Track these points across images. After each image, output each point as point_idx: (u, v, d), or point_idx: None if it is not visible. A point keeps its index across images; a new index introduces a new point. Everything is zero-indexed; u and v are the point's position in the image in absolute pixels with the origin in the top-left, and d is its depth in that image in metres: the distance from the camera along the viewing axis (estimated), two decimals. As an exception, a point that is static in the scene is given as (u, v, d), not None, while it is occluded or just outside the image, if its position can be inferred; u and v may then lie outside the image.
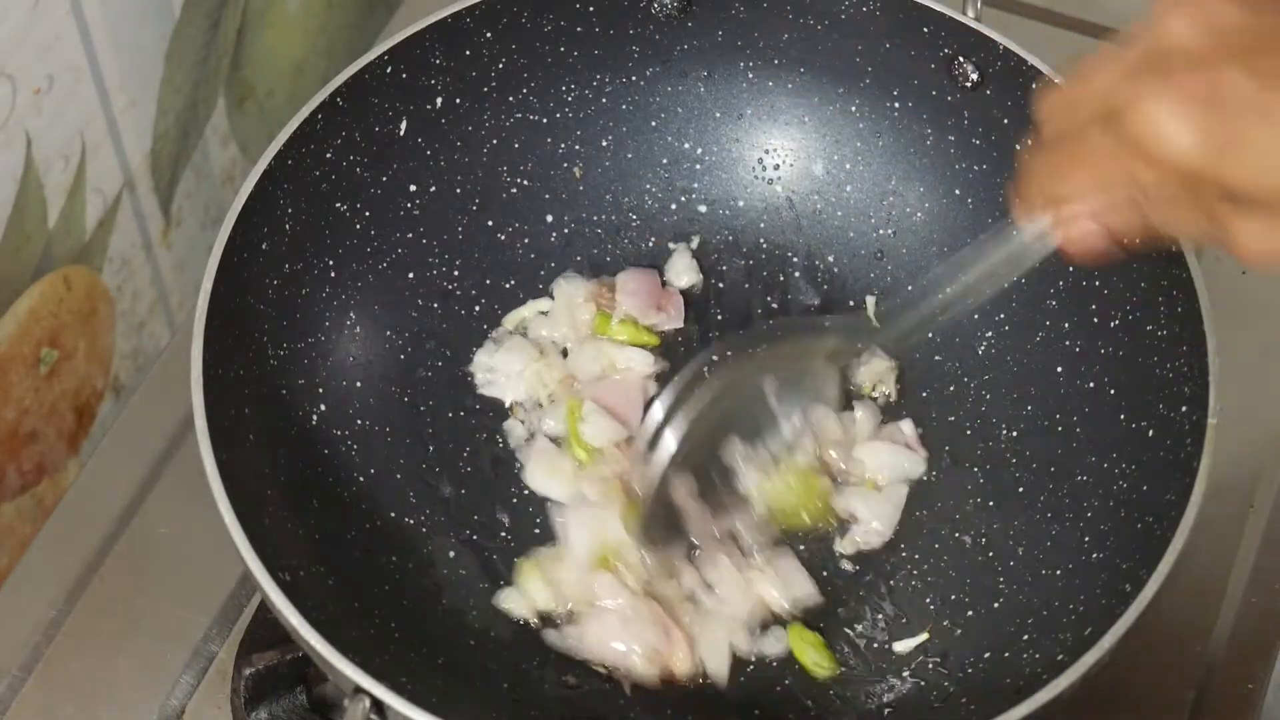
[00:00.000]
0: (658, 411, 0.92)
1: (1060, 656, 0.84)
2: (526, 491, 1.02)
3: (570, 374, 1.05)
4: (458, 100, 1.05)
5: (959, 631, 0.96)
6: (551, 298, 1.08)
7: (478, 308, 1.08)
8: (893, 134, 1.07)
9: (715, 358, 0.96)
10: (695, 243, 1.10)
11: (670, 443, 0.91)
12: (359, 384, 1.02)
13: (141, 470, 1.08)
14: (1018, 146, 1.00)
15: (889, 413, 1.04)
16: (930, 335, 1.06)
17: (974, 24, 1.01)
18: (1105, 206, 0.71)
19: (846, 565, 0.99)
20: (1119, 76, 0.67)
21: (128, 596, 1.02)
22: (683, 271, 1.09)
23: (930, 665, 0.95)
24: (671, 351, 1.07)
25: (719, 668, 0.94)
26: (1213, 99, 0.62)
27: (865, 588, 0.98)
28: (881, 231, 1.09)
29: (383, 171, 1.03)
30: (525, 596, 0.97)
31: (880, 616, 0.97)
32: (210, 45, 1.16)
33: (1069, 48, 1.25)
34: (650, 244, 1.10)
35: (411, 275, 1.06)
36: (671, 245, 1.10)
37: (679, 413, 0.91)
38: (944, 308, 0.86)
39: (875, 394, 1.05)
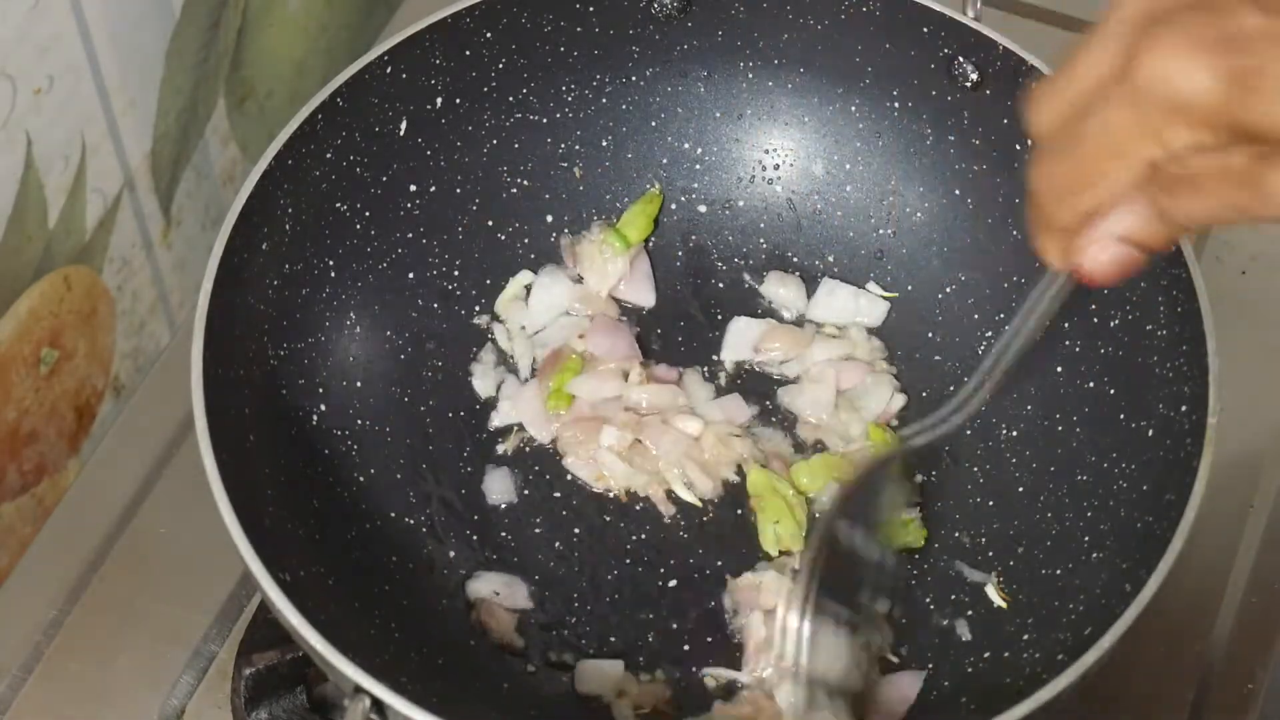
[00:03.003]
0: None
1: (1060, 656, 0.84)
2: (527, 492, 1.02)
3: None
4: (458, 100, 1.05)
5: (959, 632, 0.96)
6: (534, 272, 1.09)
7: (478, 308, 1.08)
8: (893, 134, 1.07)
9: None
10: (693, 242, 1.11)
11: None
12: (359, 384, 1.02)
13: (141, 470, 1.08)
14: (1018, 146, 1.01)
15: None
16: (930, 335, 1.06)
17: (974, 24, 1.01)
18: (1136, 217, 0.66)
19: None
20: (1109, 43, 0.64)
21: (128, 596, 1.02)
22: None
23: (931, 664, 0.95)
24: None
25: None
26: (1225, 38, 0.59)
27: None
28: (881, 231, 1.09)
29: (383, 171, 1.03)
30: None
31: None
32: (210, 45, 1.16)
33: (1068, 48, 1.25)
34: (650, 244, 1.10)
35: (411, 275, 1.06)
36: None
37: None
38: (1000, 377, 0.85)
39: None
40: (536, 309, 1.08)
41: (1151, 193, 0.65)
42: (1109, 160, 0.65)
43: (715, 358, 1.07)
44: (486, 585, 0.98)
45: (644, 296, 1.08)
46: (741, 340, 1.07)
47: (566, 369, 1.04)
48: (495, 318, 1.08)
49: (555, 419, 1.04)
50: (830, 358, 1.05)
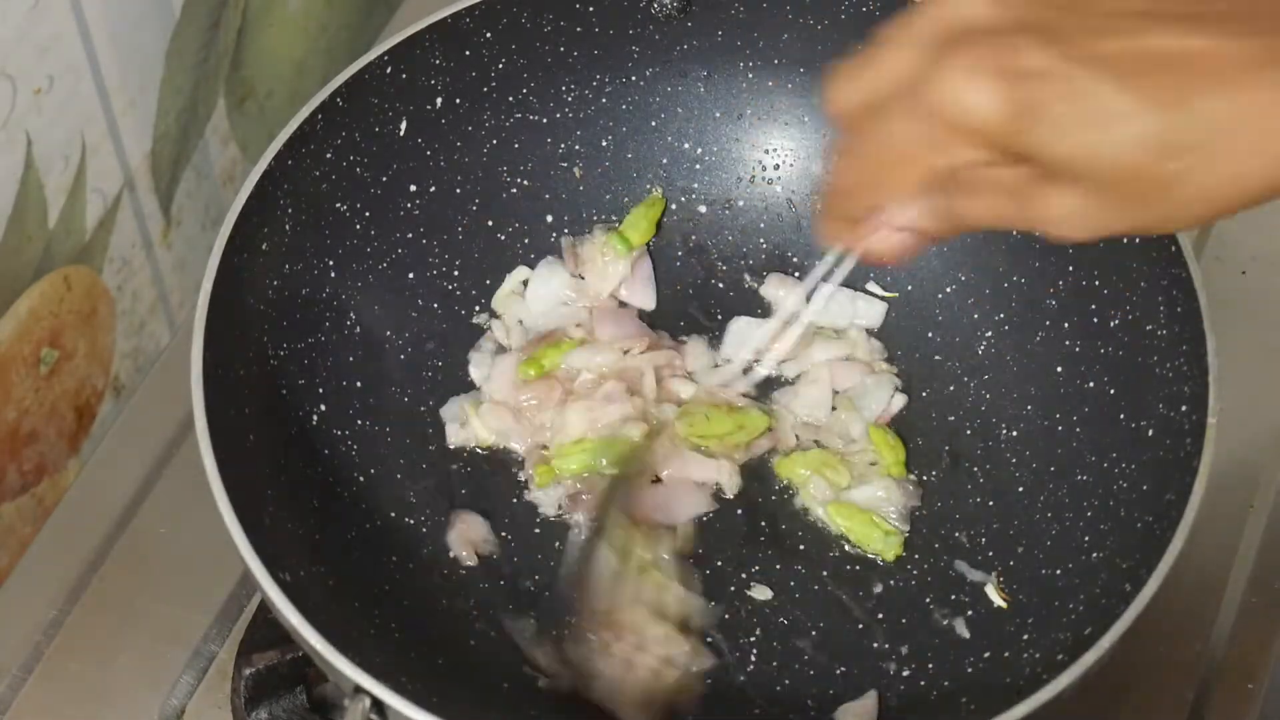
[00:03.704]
0: None
1: (1060, 656, 0.84)
2: (528, 492, 1.02)
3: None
4: (458, 100, 1.05)
5: (959, 631, 0.96)
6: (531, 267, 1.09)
7: (478, 308, 1.08)
8: (893, 134, 1.07)
9: None
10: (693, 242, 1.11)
11: None
12: (359, 384, 1.02)
13: (141, 470, 1.08)
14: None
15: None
16: (930, 335, 1.06)
17: (974, 24, 1.01)
18: (920, 211, 0.70)
19: (845, 560, 0.99)
20: (910, 49, 0.67)
21: (128, 596, 1.02)
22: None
23: (931, 664, 0.95)
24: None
25: None
26: (1010, 68, 0.63)
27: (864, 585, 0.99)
28: (881, 231, 1.08)
29: (383, 171, 1.03)
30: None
31: (881, 616, 0.97)
32: (210, 45, 1.16)
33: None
34: (650, 244, 1.10)
35: (411, 275, 1.06)
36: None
37: None
38: None
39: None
40: (534, 301, 1.08)
41: (933, 191, 0.68)
42: (894, 167, 0.68)
43: (715, 358, 1.07)
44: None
45: (645, 299, 1.08)
46: (741, 341, 1.07)
47: (559, 346, 1.04)
48: (493, 313, 1.08)
49: (520, 386, 1.04)
50: (829, 358, 1.05)
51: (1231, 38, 0.61)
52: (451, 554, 0.99)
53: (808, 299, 0.90)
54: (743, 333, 1.07)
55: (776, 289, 1.09)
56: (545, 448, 1.02)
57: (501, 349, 1.06)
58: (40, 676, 1.00)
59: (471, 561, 0.99)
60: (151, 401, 1.12)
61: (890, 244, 0.72)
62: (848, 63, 0.71)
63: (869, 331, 1.07)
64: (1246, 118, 0.60)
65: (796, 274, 1.10)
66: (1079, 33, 0.63)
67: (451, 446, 1.03)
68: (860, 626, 0.97)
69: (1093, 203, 0.64)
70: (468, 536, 0.99)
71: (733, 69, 1.09)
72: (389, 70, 1.01)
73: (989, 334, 1.04)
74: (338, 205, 1.01)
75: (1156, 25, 0.62)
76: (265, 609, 0.97)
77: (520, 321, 1.07)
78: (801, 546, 1.00)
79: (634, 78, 1.09)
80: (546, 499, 1.01)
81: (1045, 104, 0.62)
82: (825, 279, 0.89)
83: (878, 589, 0.98)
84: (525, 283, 1.08)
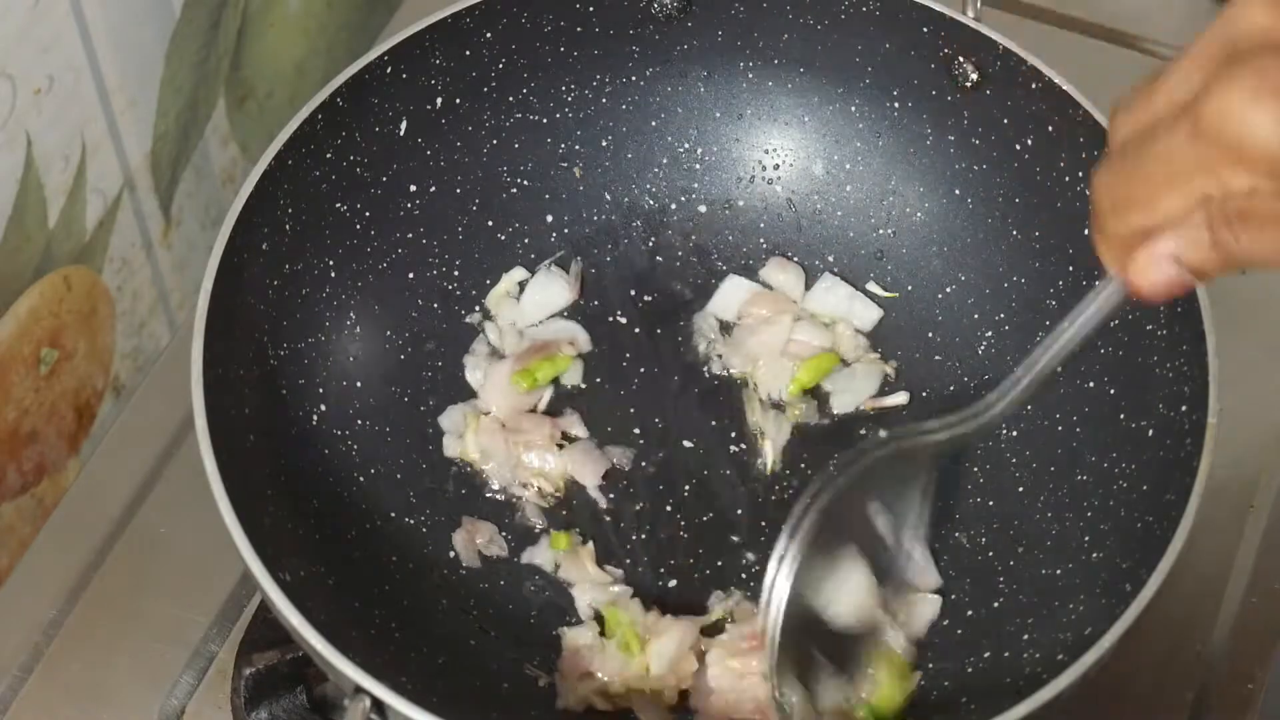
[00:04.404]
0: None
1: (1060, 656, 0.84)
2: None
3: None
4: (458, 100, 1.05)
5: (959, 631, 0.96)
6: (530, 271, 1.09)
7: (478, 308, 1.08)
8: (893, 134, 1.07)
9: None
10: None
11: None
12: (359, 384, 1.02)
13: (141, 470, 1.08)
14: (1018, 146, 1.01)
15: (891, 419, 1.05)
16: (930, 334, 1.06)
17: (974, 24, 1.01)
18: (1190, 242, 0.65)
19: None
20: (1193, 71, 0.63)
21: (128, 596, 1.02)
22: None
23: (930, 665, 0.95)
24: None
25: None
26: None
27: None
28: (881, 231, 1.09)
29: (383, 171, 1.03)
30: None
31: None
32: (210, 45, 1.16)
33: (1069, 48, 1.25)
34: (650, 244, 1.10)
35: (411, 275, 1.06)
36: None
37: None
38: (1039, 378, 0.83)
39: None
40: (529, 307, 1.08)
41: (1212, 220, 0.64)
42: (1163, 188, 0.64)
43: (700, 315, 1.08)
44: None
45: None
46: (730, 300, 1.08)
47: (553, 360, 1.04)
48: (486, 314, 1.08)
49: (515, 395, 1.04)
50: (810, 341, 1.06)
51: None
52: (453, 555, 0.99)
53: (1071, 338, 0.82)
54: (735, 292, 1.08)
55: (776, 273, 1.09)
56: (526, 485, 1.02)
57: (496, 353, 1.06)
58: (40, 676, 1.00)
59: (474, 564, 0.99)
60: (151, 401, 1.12)
61: (1157, 275, 0.67)
62: (1135, 86, 0.67)
63: (858, 331, 1.07)
64: None
65: (796, 259, 1.10)
66: None
67: (446, 455, 1.03)
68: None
69: None
70: (474, 540, 0.99)
71: (733, 69, 1.09)
72: (389, 70, 1.01)
73: (989, 334, 1.04)
74: (338, 205, 1.01)
75: None
76: (265, 609, 0.97)
77: (514, 324, 1.07)
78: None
79: (634, 78, 1.09)
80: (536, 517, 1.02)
81: None
82: (1085, 315, 0.80)
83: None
84: (521, 285, 1.08)
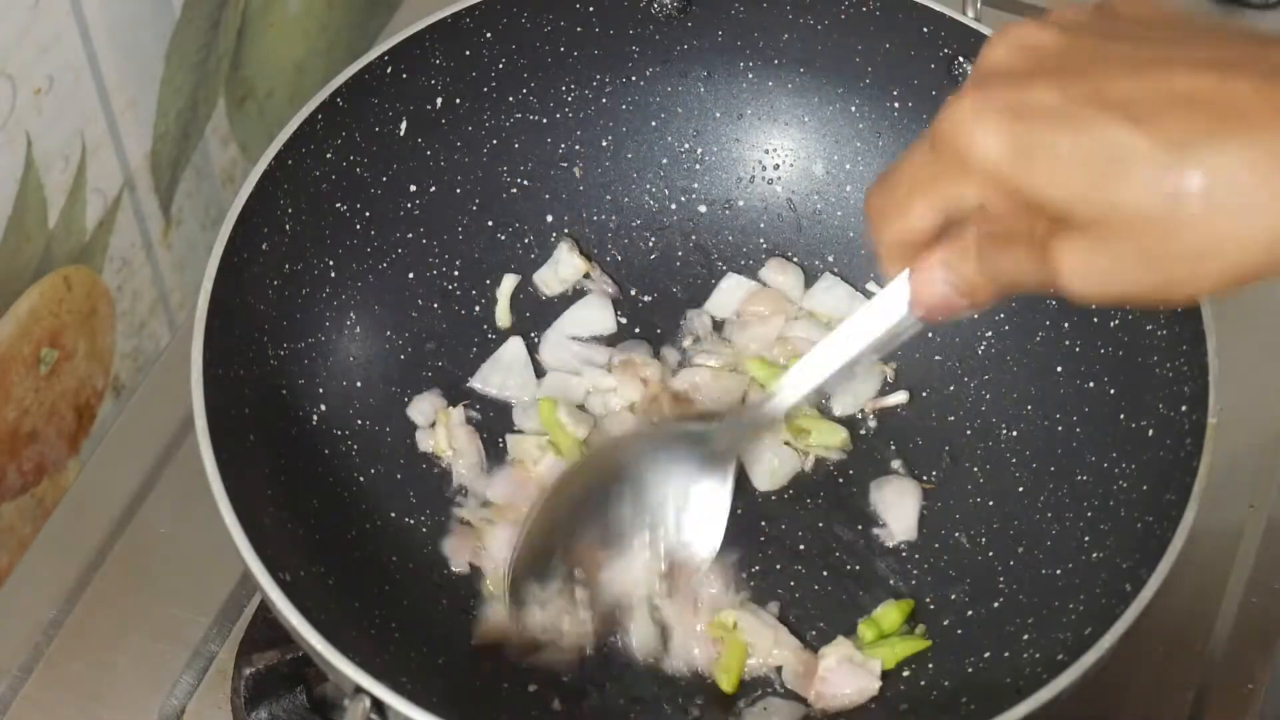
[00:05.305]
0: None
1: (1060, 656, 0.84)
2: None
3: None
4: (458, 100, 1.05)
5: (959, 631, 0.96)
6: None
7: (478, 308, 1.08)
8: (893, 134, 1.07)
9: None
10: (694, 240, 1.11)
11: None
12: (359, 384, 1.02)
13: (141, 470, 1.08)
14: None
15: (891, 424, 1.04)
16: (930, 335, 1.06)
17: (974, 24, 1.01)
18: (958, 253, 0.68)
19: (847, 565, 0.99)
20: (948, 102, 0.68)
21: (128, 596, 1.02)
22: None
23: (931, 664, 0.95)
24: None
25: None
26: (1019, 109, 0.62)
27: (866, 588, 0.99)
28: (881, 231, 1.09)
29: (383, 171, 1.03)
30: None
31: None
32: (210, 45, 1.16)
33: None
34: (650, 243, 1.11)
35: (411, 275, 1.06)
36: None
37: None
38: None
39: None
40: (569, 324, 1.08)
41: (978, 237, 0.67)
42: (908, 195, 0.68)
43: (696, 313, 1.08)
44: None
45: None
46: (729, 298, 1.08)
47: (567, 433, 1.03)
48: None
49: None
50: (808, 338, 1.06)
51: (1255, 80, 0.59)
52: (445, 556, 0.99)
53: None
54: (733, 290, 1.08)
55: (776, 274, 1.09)
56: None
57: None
58: (40, 676, 1.00)
59: (464, 570, 0.99)
60: (151, 401, 1.12)
61: (931, 289, 0.70)
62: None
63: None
64: (1269, 163, 0.58)
65: (795, 259, 1.10)
66: (1096, 75, 0.61)
67: (420, 450, 1.03)
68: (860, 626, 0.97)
69: (1103, 254, 0.62)
70: (464, 546, 0.99)
71: (733, 69, 1.09)
72: (389, 70, 1.01)
73: (989, 334, 1.05)
74: (338, 205, 1.02)
75: (1178, 69, 0.60)
76: (265, 609, 0.97)
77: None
78: (801, 547, 1.00)
79: (634, 78, 1.09)
80: None
81: (1050, 142, 0.61)
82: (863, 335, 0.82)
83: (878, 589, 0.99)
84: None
